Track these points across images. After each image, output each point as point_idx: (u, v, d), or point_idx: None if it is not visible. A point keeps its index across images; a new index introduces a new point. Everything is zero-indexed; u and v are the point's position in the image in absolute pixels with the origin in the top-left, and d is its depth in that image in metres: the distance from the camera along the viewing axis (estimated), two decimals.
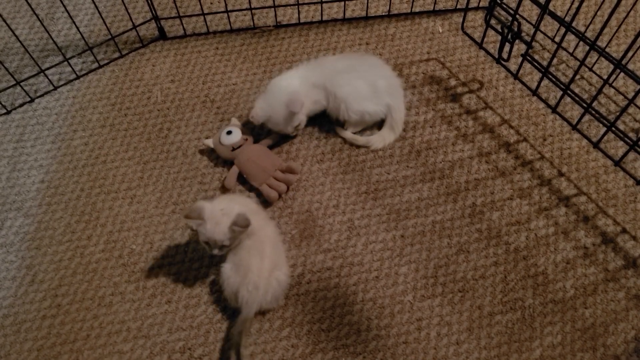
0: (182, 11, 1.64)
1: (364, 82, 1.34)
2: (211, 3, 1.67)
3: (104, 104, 1.47)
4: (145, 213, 1.29)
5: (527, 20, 1.57)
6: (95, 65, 1.53)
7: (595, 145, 1.31)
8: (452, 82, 1.50)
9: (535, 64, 1.31)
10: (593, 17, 1.50)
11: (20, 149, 1.39)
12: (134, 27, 1.54)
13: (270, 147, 1.37)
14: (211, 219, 1.08)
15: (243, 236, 1.11)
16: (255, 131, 1.41)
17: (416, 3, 1.65)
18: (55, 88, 1.49)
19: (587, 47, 1.20)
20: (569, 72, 1.51)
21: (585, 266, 1.22)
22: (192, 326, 1.16)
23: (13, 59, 1.55)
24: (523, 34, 1.53)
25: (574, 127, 1.35)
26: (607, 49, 1.54)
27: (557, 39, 1.55)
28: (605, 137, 1.38)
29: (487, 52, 1.46)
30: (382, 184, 1.33)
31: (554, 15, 1.23)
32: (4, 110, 1.45)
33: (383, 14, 1.64)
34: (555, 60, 1.53)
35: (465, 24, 1.59)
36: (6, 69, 1.42)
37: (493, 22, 1.35)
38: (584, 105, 1.26)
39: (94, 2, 1.46)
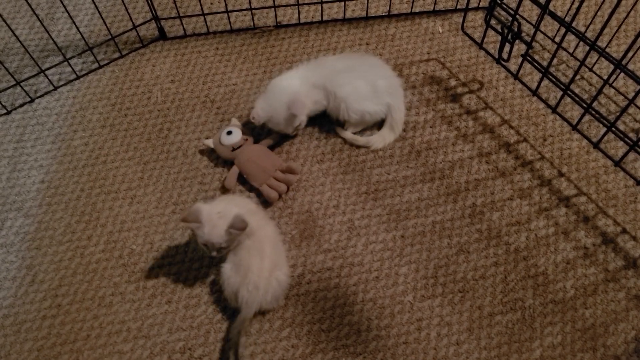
0: (182, 11, 1.64)
1: (364, 82, 1.34)
2: (211, 3, 1.67)
3: (104, 104, 1.47)
4: (145, 213, 1.29)
5: (527, 21, 1.57)
6: (96, 65, 1.53)
7: (596, 146, 1.31)
8: (452, 83, 1.50)
9: (536, 64, 1.31)
10: (593, 18, 1.50)
11: (20, 149, 1.39)
12: (134, 27, 1.54)
13: (271, 147, 1.37)
14: (208, 221, 1.08)
15: (242, 237, 1.11)
16: (256, 131, 1.41)
17: (416, 3, 1.65)
18: (56, 88, 1.49)
19: (587, 48, 1.20)
20: (569, 72, 1.51)
21: (586, 266, 1.22)
22: (192, 326, 1.16)
23: (13, 59, 1.55)
24: (523, 34, 1.53)
25: (574, 128, 1.35)
26: (607, 49, 1.54)
27: (557, 39, 1.55)
28: (606, 138, 1.38)
29: (487, 53, 1.46)
30: (382, 184, 1.33)
31: (554, 16, 1.23)
32: (4, 111, 1.46)
33: (383, 14, 1.64)
34: (555, 61, 1.53)
35: (465, 24, 1.59)
36: (6, 69, 1.42)
37: (493, 22, 1.35)
38: (584, 105, 1.26)
39: (94, 2, 1.46)
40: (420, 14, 1.64)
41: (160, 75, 1.52)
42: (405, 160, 1.37)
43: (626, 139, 1.21)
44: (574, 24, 1.45)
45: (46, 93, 1.49)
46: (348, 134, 1.39)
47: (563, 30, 1.53)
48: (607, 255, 1.24)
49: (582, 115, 1.30)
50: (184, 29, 1.59)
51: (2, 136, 1.42)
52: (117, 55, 1.55)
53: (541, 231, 1.27)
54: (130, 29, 1.56)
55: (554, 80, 1.31)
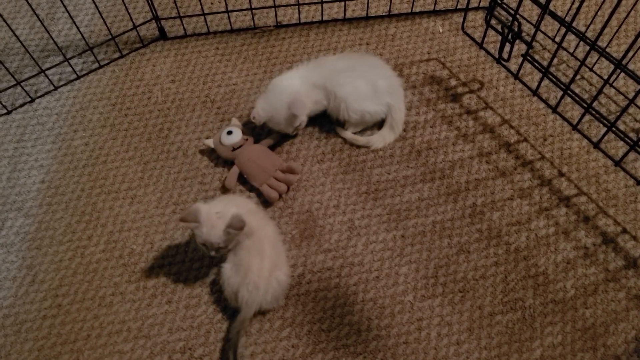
0: (182, 11, 1.64)
1: (364, 81, 1.34)
2: (212, 3, 1.67)
3: (104, 104, 1.47)
4: (145, 213, 1.29)
5: (527, 21, 1.57)
6: (96, 65, 1.54)
7: (596, 146, 1.31)
8: (453, 82, 1.50)
9: (536, 64, 1.31)
10: (593, 17, 1.50)
11: (20, 149, 1.40)
12: (135, 27, 1.54)
13: (271, 147, 1.37)
14: (207, 221, 1.08)
15: (242, 237, 1.11)
16: (256, 131, 1.41)
17: (416, 3, 1.65)
18: (56, 88, 1.50)
19: (588, 47, 1.19)
20: (569, 72, 1.51)
21: (586, 266, 1.22)
22: (193, 326, 1.16)
23: (13, 59, 1.55)
24: (523, 34, 1.53)
25: (575, 127, 1.35)
26: (608, 49, 1.54)
27: (557, 39, 1.55)
28: (606, 137, 1.38)
29: (488, 52, 1.46)
30: (383, 184, 1.33)
31: (554, 16, 1.23)
32: (5, 111, 1.46)
33: (383, 14, 1.64)
34: (555, 61, 1.53)
35: (465, 24, 1.59)
36: (7, 69, 1.42)
37: (493, 22, 1.35)
38: (585, 105, 1.26)
39: (94, 2, 1.46)
40: (421, 13, 1.64)
41: (161, 75, 1.52)
42: (405, 160, 1.37)
43: (626, 139, 1.21)
44: (574, 24, 1.45)
45: (46, 93, 1.49)
46: (348, 134, 1.39)
47: (563, 30, 1.53)
48: (607, 255, 1.24)
49: (583, 115, 1.30)
50: (184, 29, 1.59)
51: (2, 136, 1.42)
52: (117, 55, 1.55)
53: (541, 231, 1.27)
54: (131, 29, 1.56)
55: (554, 80, 1.31)
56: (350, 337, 1.14)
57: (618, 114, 1.22)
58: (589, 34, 1.55)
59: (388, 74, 1.39)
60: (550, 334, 1.15)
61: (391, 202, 1.31)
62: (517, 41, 1.48)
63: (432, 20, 1.62)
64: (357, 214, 1.29)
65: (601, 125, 1.40)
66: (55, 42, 1.46)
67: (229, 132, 1.33)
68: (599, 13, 1.59)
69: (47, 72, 1.50)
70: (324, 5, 1.63)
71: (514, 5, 1.53)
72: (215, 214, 1.09)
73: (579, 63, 1.41)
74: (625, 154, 1.24)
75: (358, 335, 1.15)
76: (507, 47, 1.46)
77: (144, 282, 1.21)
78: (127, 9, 1.47)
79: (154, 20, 1.57)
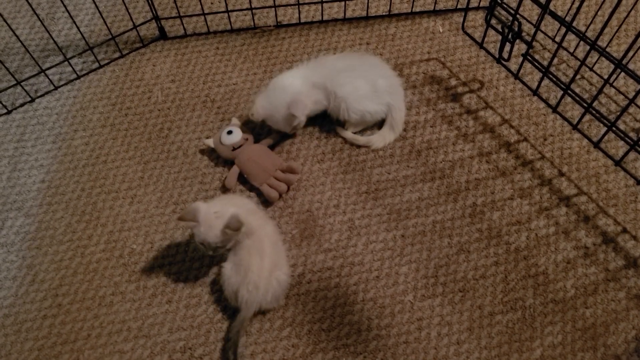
0: (182, 11, 1.64)
1: (364, 81, 1.34)
2: (212, 3, 1.67)
3: (104, 104, 1.47)
4: (145, 213, 1.29)
5: (527, 20, 1.57)
6: (96, 65, 1.54)
7: (596, 145, 1.31)
8: (453, 82, 1.50)
9: (536, 63, 1.31)
10: (594, 17, 1.50)
11: (21, 149, 1.40)
12: (135, 27, 1.54)
13: (271, 147, 1.37)
14: (205, 221, 1.08)
15: (242, 236, 1.11)
16: (256, 131, 1.41)
17: (416, 3, 1.65)
18: (56, 88, 1.50)
19: (588, 47, 1.19)
20: (569, 71, 1.51)
21: (586, 266, 1.22)
22: (193, 326, 1.16)
23: (14, 58, 1.55)
24: (523, 34, 1.53)
25: (575, 127, 1.35)
26: (608, 49, 1.54)
27: (557, 39, 1.55)
28: (606, 137, 1.38)
29: (488, 52, 1.46)
30: (383, 184, 1.33)
31: (554, 15, 1.23)
32: (5, 110, 1.46)
33: (383, 13, 1.64)
34: (555, 60, 1.53)
35: (465, 24, 1.59)
36: (7, 69, 1.42)
37: (493, 21, 1.35)
38: (585, 105, 1.26)
39: (94, 2, 1.46)
40: (421, 13, 1.64)
41: (161, 74, 1.52)
42: (405, 159, 1.37)
43: (627, 139, 1.21)
44: (574, 24, 1.45)
45: (47, 93, 1.49)
46: (348, 134, 1.39)
47: (563, 29, 1.53)
48: (607, 255, 1.24)
49: (583, 115, 1.30)
50: (185, 29, 1.60)
51: (2, 136, 1.42)
52: (117, 55, 1.55)
53: (541, 231, 1.27)
54: (131, 29, 1.56)
55: (555, 79, 1.31)
56: (350, 337, 1.14)
57: (618, 113, 1.22)
58: (589, 34, 1.55)
59: (388, 74, 1.39)
60: (551, 333, 1.15)
61: (391, 202, 1.31)
62: (517, 41, 1.48)
63: (432, 20, 1.62)
64: (357, 213, 1.29)
65: (601, 124, 1.40)
66: (55, 42, 1.46)
67: (229, 132, 1.33)
68: (599, 13, 1.59)
69: (47, 71, 1.50)
70: (324, 5, 1.63)
71: (514, 5, 1.53)
72: (214, 214, 1.09)
73: (579, 63, 1.41)
74: (626, 154, 1.24)
75: (358, 334, 1.15)
76: (507, 47, 1.46)
77: (144, 281, 1.21)
78: (127, 9, 1.47)
79: (154, 20, 1.57)
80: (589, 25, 1.50)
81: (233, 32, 1.61)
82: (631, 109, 1.44)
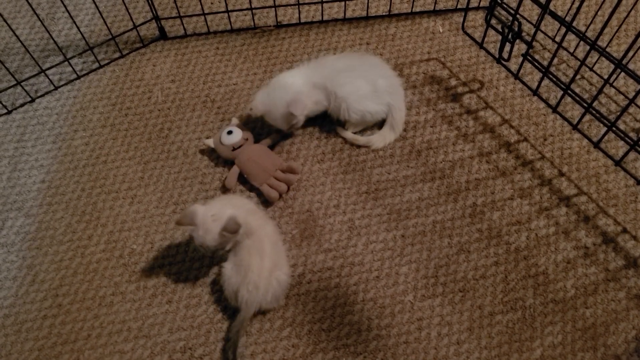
0: (182, 11, 1.64)
1: (364, 81, 1.34)
2: (212, 3, 1.67)
3: (104, 104, 1.47)
4: (145, 213, 1.29)
5: (527, 20, 1.57)
6: (96, 65, 1.54)
7: (596, 145, 1.31)
8: (453, 82, 1.50)
9: (536, 63, 1.31)
10: (594, 17, 1.50)
11: (21, 149, 1.40)
12: (135, 27, 1.54)
13: (271, 147, 1.37)
14: (203, 224, 1.08)
15: (241, 237, 1.11)
16: (256, 131, 1.41)
17: (416, 3, 1.65)
18: (56, 88, 1.50)
19: (588, 47, 1.19)
20: (569, 72, 1.51)
21: (586, 266, 1.23)
22: (193, 326, 1.16)
23: (14, 59, 1.55)
24: (523, 34, 1.53)
25: (575, 127, 1.35)
26: (608, 49, 1.54)
27: (557, 39, 1.55)
28: (606, 137, 1.38)
29: (488, 52, 1.46)
30: (383, 184, 1.33)
31: (554, 15, 1.23)
32: (5, 110, 1.46)
33: (383, 13, 1.64)
34: (555, 60, 1.53)
35: (465, 24, 1.59)
36: (7, 69, 1.42)
37: (493, 21, 1.35)
38: (585, 105, 1.26)
39: (94, 2, 1.46)
40: (421, 13, 1.64)
41: (161, 75, 1.52)
42: (405, 159, 1.37)
43: (627, 139, 1.21)
44: (574, 24, 1.45)
45: (47, 93, 1.49)
46: (348, 134, 1.39)
47: (563, 29, 1.53)
48: (607, 255, 1.24)
49: (583, 115, 1.30)
50: (185, 29, 1.60)
51: (2, 136, 1.42)
52: (117, 55, 1.55)
53: (542, 231, 1.27)
54: (131, 29, 1.56)
55: (555, 79, 1.31)
56: (350, 337, 1.14)
57: (618, 113, 1.22)
58: (589, 34, 1.55)
59: (388, 74, 1.39)
60: (551, 333, 1.15)
61: (391, 202, 1.31)
62: (517, 41, 1.48)
63: (432, 20, 1.62)
64: (358, 213, 1.29)
65: (601, 125, 1.40)
66: (55, 42, 1.46)
67: (229, 132, 1.33)
68: (599, 13, 1.59)
69: (47, 72, 1.50)
70: (324, 5, 1.63)
71: (514, 5, 1.53)
72: (211, 217, 1.09)
73: (579, 63, 1.41)
74: (626, 154, 1.24)
75: (358, 335, 1.15)
76: (507, 47, 1.46)
77: (144, 281, 1.21)
78: (127, 9, 1.47)
79: (154, 20, 1.57)
80: (589, 25, 1.50)
81: (233, 32, 1.61)
82: (631, 109, 1.44)
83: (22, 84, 1.45)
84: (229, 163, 1.36)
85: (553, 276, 1.21)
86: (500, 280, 1.21)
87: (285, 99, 1.28)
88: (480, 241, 1.25)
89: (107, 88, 1.50)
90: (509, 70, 1.45)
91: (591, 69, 1.50)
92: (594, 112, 1.25)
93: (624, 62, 1.34)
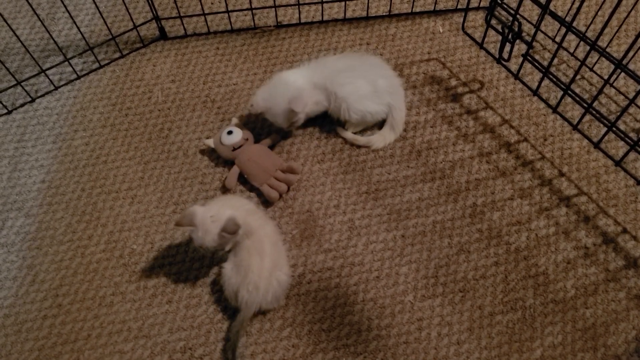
0: (182, 11, 1.64)
1: (365, 81, 1.34)
2: (212, 3, 1.67)
3: (104, 104, 1.47)
4: (146, 213, 1.29)
5: (527, 20, 1.57)
6: (96, 65, 1.54)
7: (596, 146, 1.31)
8: (453, 82, 1.50)
9: (536, 64, 1.31)
10: (594, 17, 1.50)
11: (21, 149, 1.40)
12: (135, 27, 1.54)
13: (271, 147, 1.37)
14: (202, 225, 1.08)
15: (241, 237, 1.11)
16: (256, 131, 1.41)
17: (417, 3, 1.65)
18: (56, 88, 1.50)
19: (588, 47, 1.20)
20: (569, 72, 1.51)
21: (586, 266, 1.23)
22: (193, 326, 1.16)
23: (14, 59, 1.55)
24: (524, 34, 1.53)
25: (575, 127, 1.35)
26: (608, 49, 1.54)
27: (557, 39, 1.55)
28: (606, 137, 1.38)
29: (488, 52, 1.46)
30: (383, 184, 1.33)
31: (554, 16, 1.23)
32: (5, 110, 1.46)
33: (384, 14, 1.64)
34: (555, 60, 1.53)
35: (465, 24, 1.59)
36: (7, 69, 1.42)
37: (494, 22, 1.35)
38: (585, 105, 1.26)
39: (94, 2, 1.46)
40: (421, 13, 1.64)
41: (161, 75, 1.52)
42: (405, 160, 1.37)
43: (627, 139, 1.21)
44: (574, 24, 1.45)
45: (47, 93, 1.49)
46: (349, 134, 1.39)
47: (564, 30, 1.53)
48: (607, 255, 1.24)
49: (583, 115, 1.30)
50: (185, 29, 1.60)
51: (3, 136, 1.42)
52: (117, 55, 1.55)
53: (542, 231, 1.27)
54: (131, 29, 1.56)
55: (555, 80, 1.31)
56: (350, 337, 1.14)
57: (618, 114, 1.22)
58: (589, 34, 1.55)
59: (388, 74, 1.39)
60: (551, 333, 1.15)
61: (391, 202, 1.31)
62: (518, 41, 1.49)
63: (433, 20, 1.62)
64: (358, 213, 1.29)
65: (601, 125, 1.40)
66: (55, 42, 1.46)
67: (229, 132, 1.33)
68: (599, 13, 1.59)
69: (47, 72, 1.50)
70: (324, 5, 1.63)
71: (514, 5, 1.53)
72: (210, 217, 1.09)
73: (579, 63, 1.41)
74: (626, 154, 1.24)
75: (358, 335, 1.15)
76: (508, 47, 1.46)
77: (145, 282, 1.21)
78: (127, 9, 1.47)
79: (154, 20, 1.57)
80: (589, 25, 1.50)
81: (233, 32, 1.61)
82: (631, 109, 1.44)
83: (22, 84, 1.45)
84: (229, 163, 1.36)
85: (553, 276, 1.21)
86: (501, 281, 1.21)
87: (287, 96, 1.28)
88: (481, 241, 1.25)
89: (107, 88, 1.50)
90: (509, 70, 1.45)
91: (591, 69, 1.50)
92: (594, 112, 1.25)
93: (624, 62, 1.34)
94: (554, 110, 1.35)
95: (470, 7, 1.61)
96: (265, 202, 1.30)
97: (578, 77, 1.50)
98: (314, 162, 1.37)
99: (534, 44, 1.57)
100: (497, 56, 1.40)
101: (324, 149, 1.39)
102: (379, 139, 1.38)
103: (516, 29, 1.27)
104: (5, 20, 1.32)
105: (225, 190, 1.32)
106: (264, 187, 1.29)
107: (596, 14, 1.48)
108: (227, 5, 1.54)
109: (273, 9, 1.63)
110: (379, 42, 1.58)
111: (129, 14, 1.49)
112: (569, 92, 1.28)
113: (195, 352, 1.13)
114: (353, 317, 1.17)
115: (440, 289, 1.20)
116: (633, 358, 1.12)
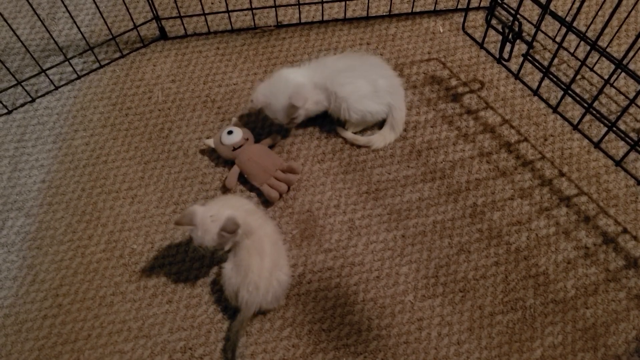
0: (183, 11, 1.65)
1: (365, 81, 1.34)
2: (212, 3, 1.67)
3: (104, 104, 1.47)
4: (146, 213, 1.29)
5: (528, 20, 1.57)
6: (96, 65, 1.54)
7: (596, 145, 1.31)
8: (453, 82, 1.50)
9: (536, 64, 1.31)
10: (594, 17, 1.50)
11: (21, 149, 1.40)
12: (135, 27, 1.54)
13: (271, 147, 1.37)
14: (201, 225, 1.08)
15: (241, 237, 1.11)
16: (256, 131, 1.41)
17: (417, 3, 1.65)
18: (56, 88, 1.50)
19: (588, 47, 1.20)
20: (569, 72, 1.51)
21: (586, 266, 1.22)
22: (193, 326, 1.16)
23: (14, 58, 1.55)
24: (524, 34, 1.53)
25: (575, 127, 1.35)
26: (608, 49, 1.54)
27: (558, 39, 1.55)
28: (606, 137, 1.38)
29: (488, 52, 1.46)
30: (383, 184, 1.33)
31: (554, 15, 1.23)
32: (5, 110, 1.46)
33: (384, 14, 1.64)
34: (556, 60, 1.53)
35: (466, 24, 1.59)
36: (7, 69, 1.42)
37: (494, 22, 1.35)
38: (585, 105, 1.26)
39: (95, 2, 1.46)
40: (421, 13, 1.64)
41: (161, 75, 1.52)
42: (405, 160, 1.37)
43: (627, 139, 1.21)
44: (574, 24, 1.45)
45: (47, 93, 1.49)
46: (349, 134, 1.39)
47: (564, 30, 1.53)
48: (607, 255, 1.24)
49: (583, 115, 1.30)
50: (185, 29, 1.60)
51: (3, 136, 1.42)
52: (117, 55, 1.55)
53: (542, 231, 1.27)
54: (131, 29, 1.56)
55: (555, 80, 1.31)
56: (350, 337, 1.14)
57: (619, 113, 1.22)
58: (590, 34, 1.55)
59: (389, 74, 1.39)
60: (551, 333, 1.15)
61: (391, 202, 1.31)
62: (518, 41, 1.48)
63: (433, 20, 1.62)
64: (358, 213, 1.29)
65: (602, 125, 1.40)
66: (55, 42, 1.46)
67: (230, 132, 1.33)
68: (599, 13, 1.59)
69: (47, 71, 1.50)
70: (325, 5, 1.63)
71: (514, 5, 1.53)
72: (210, 217, 1.09)
73: (579, 63, 1.41)
74: (626, 154, 1.24)
75: (358, 335, 1.15)
76: (508, 47, 1.46)
77: (145, 281, 1.21)
78: (127, 9, 1.47)
79: (154, 20, 1.57)
80: (590, 25, 1.50)
81: (233, 32, 1.61)
82: (631, 109, 1.44)
83: (22, 83, 1.45)
84: (229, 163, 1.36)
85: (553, 276, 1.21)
86: (501, 281, 1.21)
87: (287, 92, 1.28)
88: (481, 241, 1.25)
89: (108, 88, 1.50)
90: (509, 70, 1.45)
91: (591, 69, 1.50)
92: (594, 112, 1.25)
93: (624, 62, 1.34)
94: (554, 110, 1.35)
95: (470, 7, 1.61)
96: (265, 202, 1.30)
97: (578, 77, 1.50)
98: (314, 162, 1.37)
99: (534, 44, 1.57)
100: (497, 56, 1.40)
101: (324, 148, 1.39)
102: (379, 139, 1.38)
103: (516, 29, 1.27)
104: (5, 20, 1.32)
105: (225, 190, 1.32)
106: (264, 187, 1.29)
107: (596, 14, 1.48)
108: (227, 5, 1.54)
109: (273, 8, 1.63)
110: (379, 42, 1.58)
111: (129, 14, 1.49)
112: (569, 92, 1.28)
113: (195, 352, 1.13)
114: (353, 317, 1.16)
115: (440, 289, 1.20)
116: (633, 358, 1.12)
